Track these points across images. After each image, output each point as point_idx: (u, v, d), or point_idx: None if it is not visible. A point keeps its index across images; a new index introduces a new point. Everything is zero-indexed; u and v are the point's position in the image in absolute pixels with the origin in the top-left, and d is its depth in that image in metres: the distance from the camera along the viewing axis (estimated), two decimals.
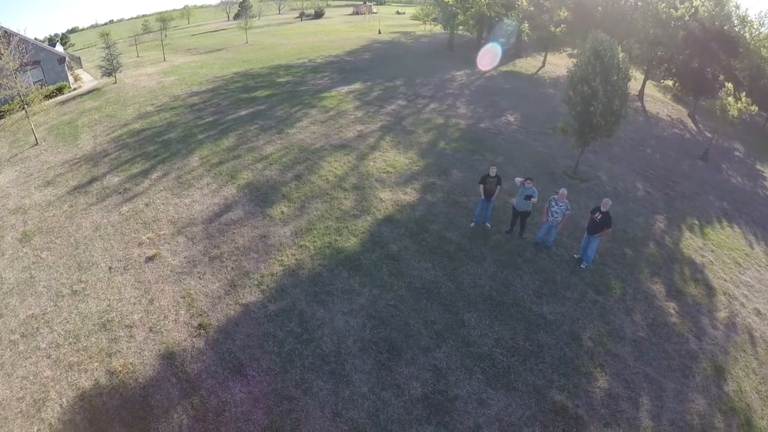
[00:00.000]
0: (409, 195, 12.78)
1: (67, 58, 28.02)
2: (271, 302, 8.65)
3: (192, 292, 8.97)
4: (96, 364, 7.48)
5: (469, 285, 9.26)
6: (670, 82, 30.14)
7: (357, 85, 25.17)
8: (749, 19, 26.69)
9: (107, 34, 28.49)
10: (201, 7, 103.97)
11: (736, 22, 26.15)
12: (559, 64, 34.55)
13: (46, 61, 25.36)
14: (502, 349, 7.83)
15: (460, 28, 38.32)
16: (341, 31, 51.06)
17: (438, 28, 44.09)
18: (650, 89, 31.46)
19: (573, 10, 28.07)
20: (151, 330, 8.11)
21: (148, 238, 10.81)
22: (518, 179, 10.63)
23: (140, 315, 8.46)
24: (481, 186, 10.68)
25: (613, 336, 8.47)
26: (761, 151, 26.29)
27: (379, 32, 47.36)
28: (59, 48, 33.10)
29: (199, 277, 9.41)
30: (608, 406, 7.10)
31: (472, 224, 11.33)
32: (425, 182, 13.62)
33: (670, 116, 27.59)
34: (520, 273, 9.73)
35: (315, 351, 7.65)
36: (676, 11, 24.78)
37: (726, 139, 25.73)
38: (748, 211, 16.46)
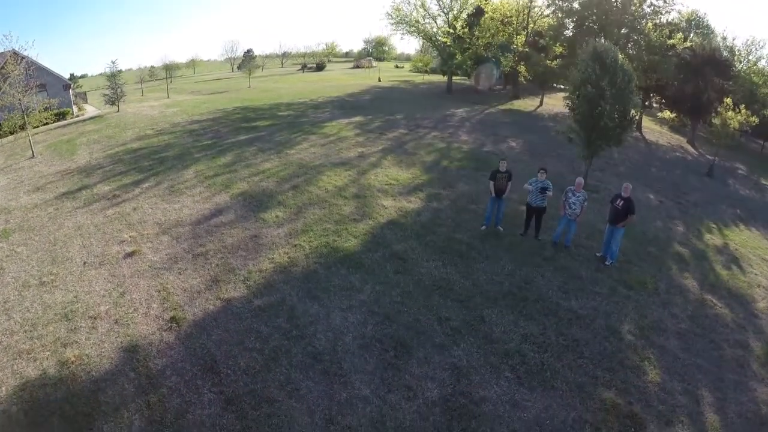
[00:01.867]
0: (413, 203, 11.97)
1: (72, 86, 28.44)
2: (257, 298, 7.53)
3: (169, 286, 7.87)
4: (48, 353, 6.32)
5: (486, 282, 8.19)
6: (667, 114, 30.62)
7: (358, 118, 25.23)
8: (737, 49, 27.69)
9: (113, 62, 28.93)
10: (206, 61, 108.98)
11: (725, 53, 27.07)
12: (556, 104, 35.23)
13: (51, 86, 25.69)
14: (531, 345, 6.64)
15: (458, 72, 39.69)
16: (342, 79, 52.92)
17: (436, 77, 45.74)
18: (647, 123, 31.88)
19: (567, 45, 29.00)
20: (116, 322, 6.94)
21: (130, 236, 9.85)
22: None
23: (107, 307, 7.33)
24: (492, 182, 9.94)
25: (654, 329, 7.43)
26: (763, 170, 26.51)
27: (379, 80, 48.97)
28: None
29: (179, 272, 8.34)
30: (665, 402, 5.92)
31: (483, 227, 10.42)
32: (430, 192, 12.88)
33: (670, 143, 27.83)
34: (541, 270, 8.70)
35: (306, 349, 6.44)
36: (669, 39, 25.63)
37: (727, 160, 25.99)
38: (763, 217, 16.33)
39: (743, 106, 20.94)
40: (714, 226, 13.85)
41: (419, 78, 53.30)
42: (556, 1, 30.93)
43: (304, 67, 75.49)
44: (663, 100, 30.92)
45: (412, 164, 15.78)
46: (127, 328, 6.83)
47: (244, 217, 10.74)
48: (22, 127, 18.57)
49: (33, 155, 17.75)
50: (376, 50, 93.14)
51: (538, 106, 34.01)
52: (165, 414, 5.34)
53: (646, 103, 32.33)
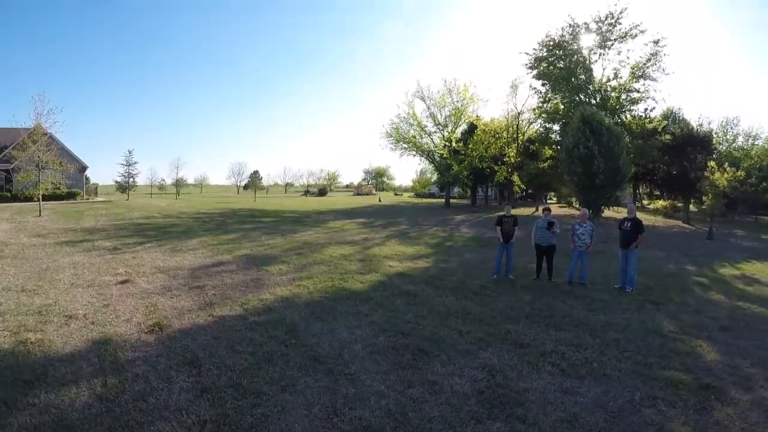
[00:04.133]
0: (420, 264, 11.68)
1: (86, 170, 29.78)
2: (254, 316, 6.78)
3: (158, 304, 7.15)
4: (8, 333, 5.66)
5: (506, 308, 7.51)
6: (659, 203, 32.04)
7: (361, 219, 26.20)
8: (714, 132, 30.19)
9: (130, 152, 30.67)
10: (214, 185, 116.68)
11: (701, 135, 29.45)
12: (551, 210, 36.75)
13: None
14: (568, 346, 5.83)
15: (455, 193, 42.31)
16: (344, 200, 56.18)
17: (434, 200, 48.62)
18: (640, 214, 33.11)
19: (556, 149, 31.26)
20: (92, 323, 6.17)
21: (125, 271, 9.38)
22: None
23: (87, 311, 6.62)
24: (499, 228, 9.95)
25: (695, 327, 6.95)
26: (761, 234, 26.80)
27: (380, 200, 52.09)
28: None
29: (172, 296, 7.66)
30: (736, 374, 5.25)
31: (494, 276, 9.99)
32: (437, 258, 12.70)
33: (666, 224, 29.14)
34: (562, 299, 8.13)
35: (306, 353, 5.52)
36: (650, 123, 27.82)
37: (725, 229, 27.16)
38: None
39: (726, 164, 22.26)
40: (726, 263, 14.14)
41: (417, 200, 56.69)
42: (542, 107, 33.00)
43: (306, 193, 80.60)
44: (654, 188, 32.79)
45: (417, 244, 15.80)
46: (102, 327, 6.04)
47: (247, 268, 10.32)
48: (35, 186, 19.51)
49: (40, 214, 18.58)
50: (376, 180, 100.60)
51: (534, 211, 35.54)
52: (120, 395, 4.31)
53: (637, 203, 33.59)
